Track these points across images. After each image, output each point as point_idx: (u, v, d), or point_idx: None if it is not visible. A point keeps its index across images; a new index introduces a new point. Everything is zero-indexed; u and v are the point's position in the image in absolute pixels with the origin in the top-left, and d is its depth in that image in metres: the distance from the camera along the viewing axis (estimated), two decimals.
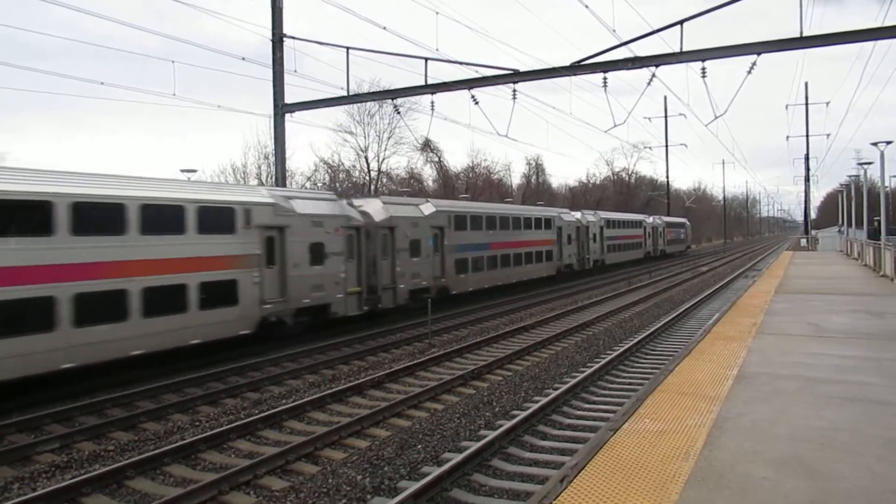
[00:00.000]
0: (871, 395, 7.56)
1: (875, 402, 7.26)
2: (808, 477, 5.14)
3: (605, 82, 22.17)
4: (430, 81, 24.11)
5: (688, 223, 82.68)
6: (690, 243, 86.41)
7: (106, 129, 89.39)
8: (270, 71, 25.64)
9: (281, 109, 25.85)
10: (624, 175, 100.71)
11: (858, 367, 9.06)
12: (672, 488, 4.95)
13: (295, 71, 26.18)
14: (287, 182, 28.29)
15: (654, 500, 4.75)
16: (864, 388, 7.88)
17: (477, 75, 23.54)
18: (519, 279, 32.30)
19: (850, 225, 51.71)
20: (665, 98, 75.55)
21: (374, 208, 22.19)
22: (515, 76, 23.07)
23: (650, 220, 61.83)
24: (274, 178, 28.74)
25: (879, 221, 31.77)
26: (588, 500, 4.79)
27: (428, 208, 25.34)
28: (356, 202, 22.16)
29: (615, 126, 27.32)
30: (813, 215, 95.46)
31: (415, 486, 7.78)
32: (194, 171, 21.81)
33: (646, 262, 55.72)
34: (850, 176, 51.98)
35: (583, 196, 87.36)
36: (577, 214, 43.03)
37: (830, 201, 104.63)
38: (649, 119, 73.25)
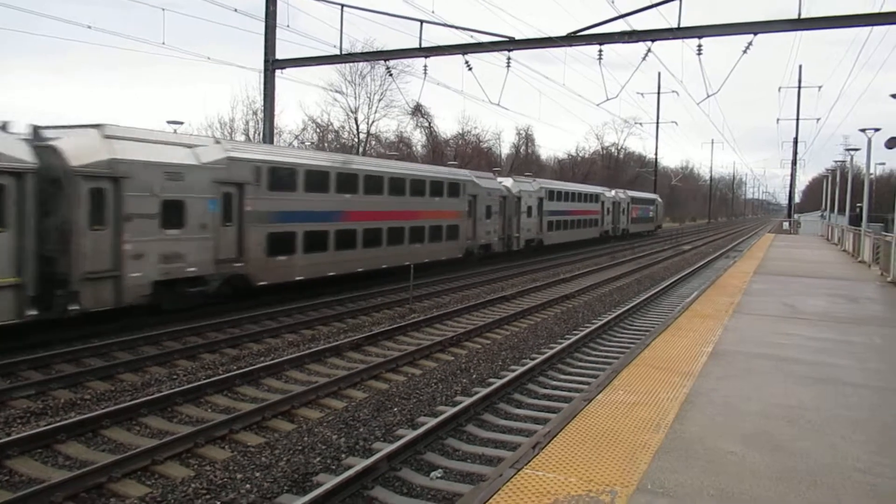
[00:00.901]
0: (840, 377, 7.72)
1: (844, 384, 7.42)
2: (773, 452, 5.27)
3: (600, 55, 22.06)
4: (424, 44, 23.85)
5: (659, 200, 73.80)
6: (661, 222, 77.57)
7: (93, 78, 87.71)
8: (262, 25, 25.20)
9: (272, 65, 25.49)
10: (613, 150, 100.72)
11: (830, 349, 9.24)
12: (642, 458, 5.05)
13: (287, 26, 25.73)
14: (275, 139, 27.96)
15: (624, 468, 4.85)
16: (834, 370, 8.04)
17: (472, 41, 23.32)
18: (398, 263, 22.71)
19: (832, 210, 52.23)
20: (659, 74, 75.28)
21: (79, 146, 13.40)
22: (511, 44, 22.87)
23: (611, 193, 53.37)
24: (262, 134, 28.40)
25: (861, 208, 32.09)
26: (559, 466, 4.88)
27: (211, 153, 16.04)
28: (50, 133, 13.49)
29: (608, 100, 27.39)
30: (797, 199, 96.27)
31: (389, 448, 7.87)
32: (181, 123, 21.41)
33: (601, 244, 48.39)
34: (836, 161, 52.41)
35: (571, 169, 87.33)
36: (508, 181, 34.26)
37: (815, 186, 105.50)
38: (642, 95, 72.96)
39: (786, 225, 63.86)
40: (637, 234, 60.70)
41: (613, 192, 54.20)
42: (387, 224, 22.55)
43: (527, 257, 34.80)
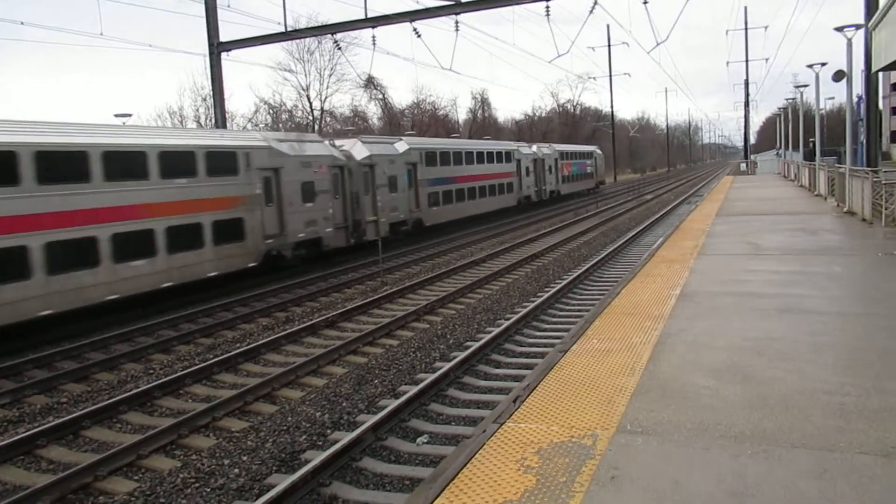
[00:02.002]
0: (803, 306, 7.97)
1: (807, 312, 7.67)
2: (745, 383, 5.45)
3: (547, 11, 22.00)
4: (370, 14, 23.53)
5: (598, 152, 62.32)
6: (604, 178, 66.22)
7: (31, 74, 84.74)
8: (203, 6, 24.57)
9: (216, 48, 24.94)
10: (569, 106, 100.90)
11: (792, 281, 9.51)
12: (619, 400, 5.19)
13: (228, 6, 25.12)
14: (228, 124, 27.44)
15: (603, 412, 4.98)
16: (797, 300, 8.30)
17: (418, 6, 23.04)
18: (91, 300, 14.05)
19: (787, 148, 53.21)
20: (608, 27, 75.40)
21: None
22: (457, 7, 22.67)
23: (530, 148, 43.25)
24: (213, 120, 27.86)
25: (814, 143, 32.75)
26: (540, 416, 4.99)
27: None
28: None
29: (559, 56, 27.33)
30: (753, 140, 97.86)
31: (374, 419, 7.95)
32: (129, 115, 20.90)
33: (522, 213, 38.92)
34: (787, 99, 53.11)
35: (529, 129, 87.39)
36: (352, 144, 24.30)
37: (769, 125, 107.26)
38: (593, 49, 73.05)
39: (743, 166, 64.99)
40: (572, 195, 50.99)
41: (534, 148, 44.34)
42: (45, 237, 13.17)
43: (394, 248, 24.68)
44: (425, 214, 28.33)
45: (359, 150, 24.12)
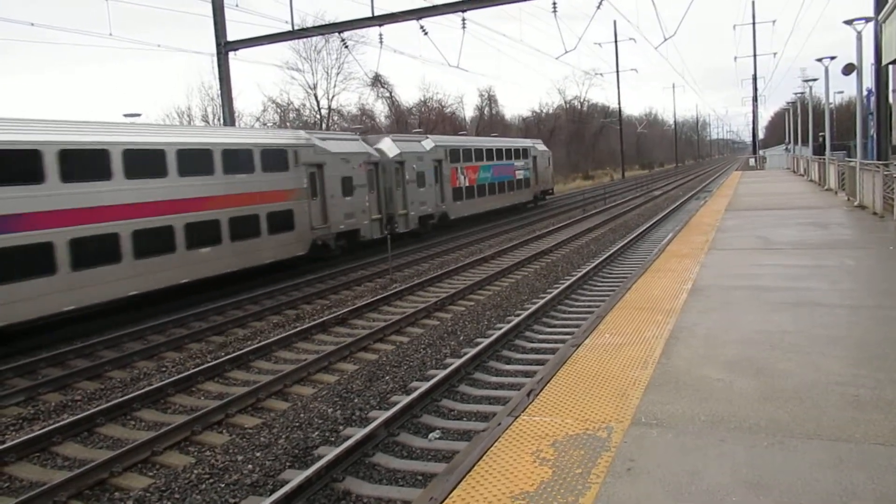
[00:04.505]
0: (815, 299, 7.94)
1: (819, 305, 7.64)
2: (758, 376, 5.44)
3: (554, 7, 21.97)
4: (377, 13, 23.58)
5: (541, 147, 42.68)
6: (551, 185, 45.42)
7: (42, 75, 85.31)
8: (210, 6, 24.66)
9: (224, 47, 25.03)
10: (576, 103, 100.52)
11: (804, 275, 9.47)
12: (633, 394, 5.19)
13: (237, 5, 25.21)
14: (236, 123, 27.48)
15: (617, 405, 4.99)
16: (809, 294, 8.26)
17: (426, 4, 23.06)
18: None
19: (796, 142, 52.86)
20: (615, 22, 75.23)
21: None
22: (464, 4, 22.68)
23: (364, 147, 23.83)
24: (221, 119, 27.95)
25: (824, 137, 32.53)
26: (554, 409, 5.00)
27: None
28: None
29: (566, 52, 27.19)
30: (761, 135, 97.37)
31: (385, 415, 7.98)
32: (138, 115, 20.95)
33: (311, 271, 20.28)
34: (796, 94, 52.70)
35: (536, 126, 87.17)
36: None
37: (777, 120, 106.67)
38: (600, 45, 72.69)
39: (752, 161, 64.71)
40: (480, 217, 32.75)
41: (385, 142, 25.94)
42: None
43: None
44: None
45: None
